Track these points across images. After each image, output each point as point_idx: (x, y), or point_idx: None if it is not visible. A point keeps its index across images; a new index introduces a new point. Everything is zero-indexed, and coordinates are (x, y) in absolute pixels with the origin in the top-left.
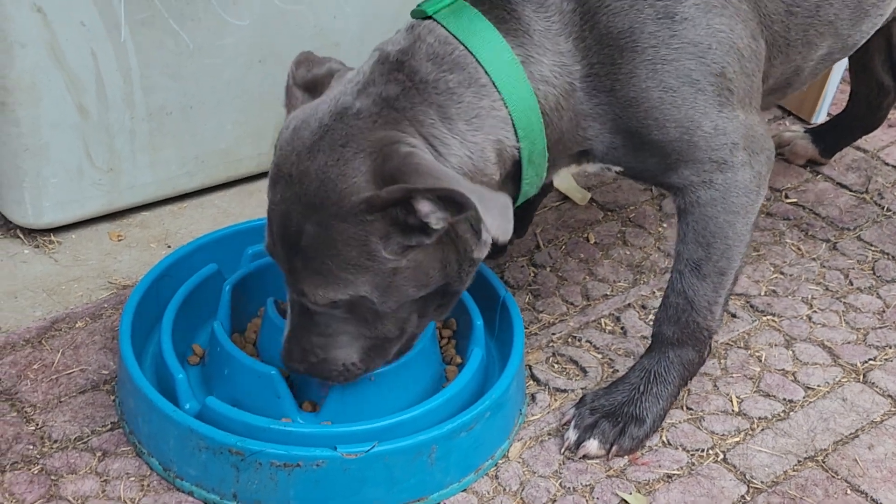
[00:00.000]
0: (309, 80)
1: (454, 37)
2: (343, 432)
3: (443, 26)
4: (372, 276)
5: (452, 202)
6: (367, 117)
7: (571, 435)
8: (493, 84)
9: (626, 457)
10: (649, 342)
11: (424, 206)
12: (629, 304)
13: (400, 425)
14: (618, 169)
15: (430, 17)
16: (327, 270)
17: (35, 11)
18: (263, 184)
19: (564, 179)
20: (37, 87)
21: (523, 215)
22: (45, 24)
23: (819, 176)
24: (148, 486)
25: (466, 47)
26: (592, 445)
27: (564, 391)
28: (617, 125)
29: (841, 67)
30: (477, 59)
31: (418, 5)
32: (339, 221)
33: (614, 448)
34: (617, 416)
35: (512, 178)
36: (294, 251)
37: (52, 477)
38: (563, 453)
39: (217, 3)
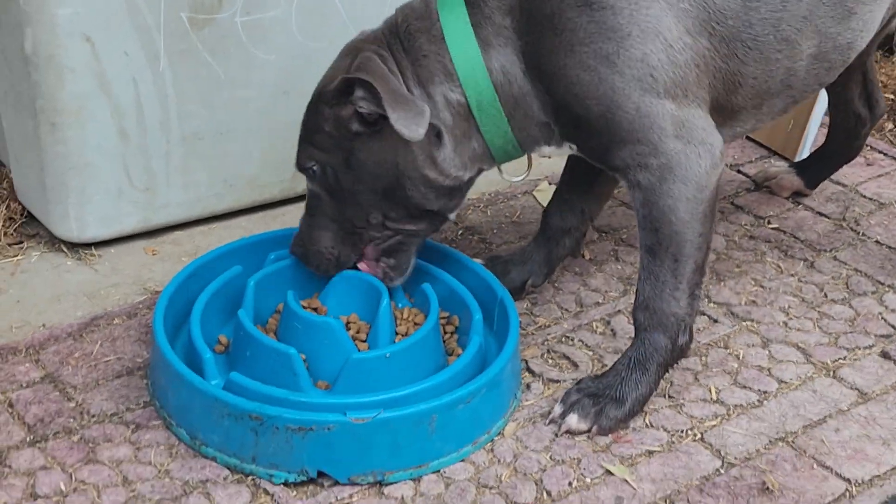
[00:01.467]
0: None
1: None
2: (352, 402)
3: None
4: (336, 151)
5: (377, 94)
6: (365, 39)
7: (557, 409)
8: (443, 36)
9: (608, 435)
10: None
11: (358, 92)
12: (619, 311)
13: (404, 398)
14: (574, 147)
15: None
16: (310, 139)
17: (85, 41)
18: (286, 209)
19: None
20: (83, 111)
21: (547, 262)
22: (93, 53)
23: (800, 206)
24: (176, 453)
25: (437, 9)
26: (572, 419)
27: (557, 381)
28: (552, 99)
29: (821, 110)
30: (439, 18)
31: None
32: (323, 104)
33: (595, 427)
34: (599, 397)
35: (476, 130)
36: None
37: (90, 444)
38: (548, 425)
39: (247, 38)
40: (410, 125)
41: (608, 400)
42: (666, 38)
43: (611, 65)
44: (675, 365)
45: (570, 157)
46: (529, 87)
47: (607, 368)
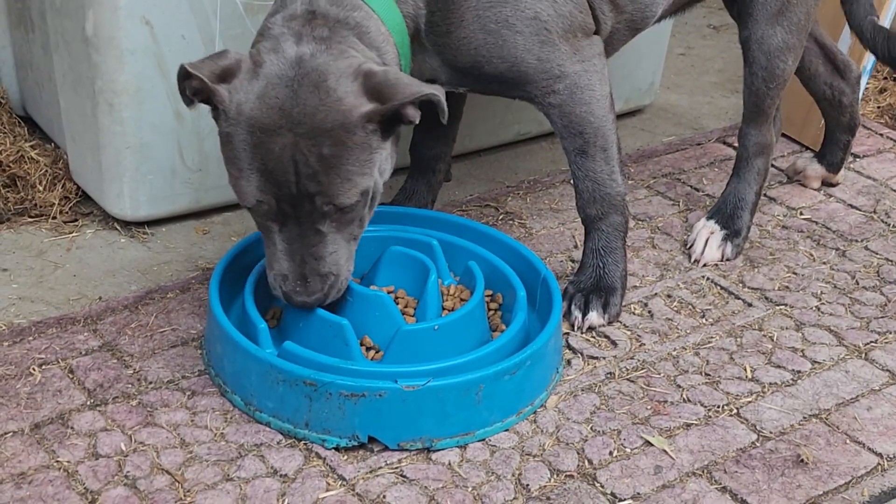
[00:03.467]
0: (221, 73)
1: None
2: (403, 370)
3: None
4: (377, 165)
5: (427, 102)
6: (321, 55)
7: (577, 314)
8: (380, 18)
9: (613, 323)
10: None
11: (410, 111)
12: (656, 294)
13: (452, 368)
14: (463, 89)
15: None
16: (351, 173)
17: (144, 24)
18: None
19: None
20: (141, 92)
21: (429, 191)
22: (151, 35)
23: (832, 198)
24: (231, 418)
25: None
26: (593, 317)
27: (596, 358)
28: (453, 63)
29: None
30: (364, 2)
31: None
32: (349, 134)
33: (607, 317)
34: (599, 291)
35: None
36: (316, 177)
37: (149, 409)
38: (575, 330)
39: None
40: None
41: (605, 291)
42: None
43: (511, 27)
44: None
45: None
46: (429, 51)
47: (579, 265)
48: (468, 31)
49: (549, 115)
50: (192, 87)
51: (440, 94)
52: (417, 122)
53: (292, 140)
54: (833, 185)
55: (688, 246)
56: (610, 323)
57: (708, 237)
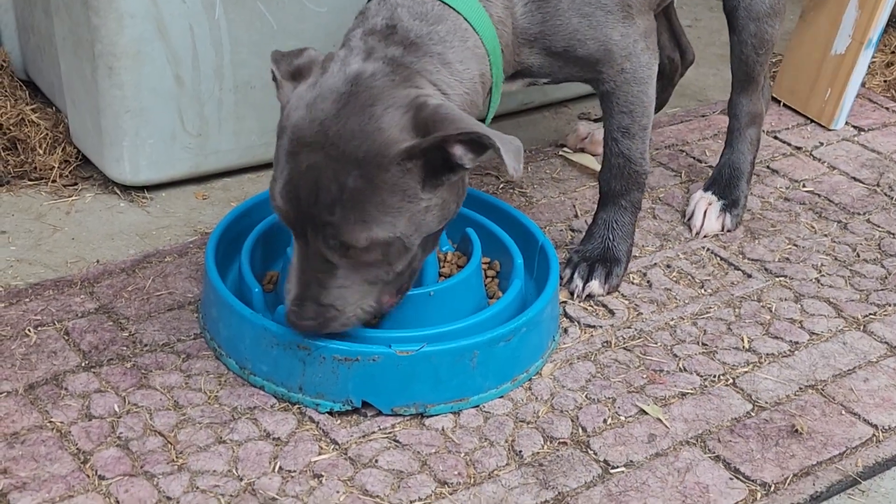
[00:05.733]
0: (293, 71)
1: None
2: (397, 335)
3: None
4: (409, 216)
5: (480, 145)
6: (383, 77)
7: (578, 282)
8: (473, 28)
9: (611, 293)
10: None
11: (458, 150)
12: (655, 264)
13: (447, 334)
14: (545, 80)
15: None
16: (370, 216)
17: None
18: None
19: (583, 156)
20: (141, 55)
21: None
22: None
23: (835, 171)
24: (225, 381)
25: (441, 0)
26: (594, 285)
27: (593, 327)
28: (548, 48)
29: (858, 78)
30: (453, 9)
31: None
32: (381, 171)
33: (607, 287)
34: (604, 262)
35: (489, 99)
36: (331, 207)
37: (143, 371)
38: (574, 299)
39: None
40: (519, 165)
41: (610, 262)
42: None
43: (603, 6)
44: None
45: None
46: (524, 43)
47: (586, 233)
48: (565, 18)
49: (610, 94)
50: (273, 76)
51: (495, 136)
52: (469, 166)
53: (322, 160)
54: None
55: (686, 218)
56: (609, 293)
57: (706, 208)
